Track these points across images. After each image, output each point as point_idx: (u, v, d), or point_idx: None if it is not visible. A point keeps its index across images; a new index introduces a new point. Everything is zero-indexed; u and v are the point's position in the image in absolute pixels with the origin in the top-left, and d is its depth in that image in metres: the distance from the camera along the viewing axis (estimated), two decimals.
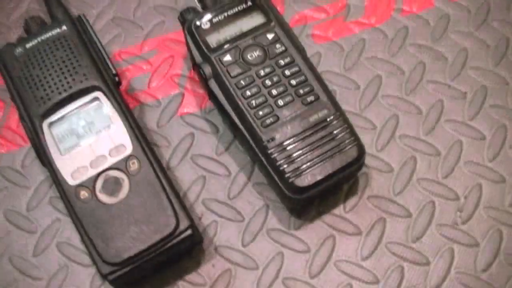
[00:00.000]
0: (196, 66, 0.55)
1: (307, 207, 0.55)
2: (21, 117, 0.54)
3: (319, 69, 0.60)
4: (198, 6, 0.59)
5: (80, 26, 0.57)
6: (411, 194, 0.55)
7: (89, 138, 0.52)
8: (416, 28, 0.62)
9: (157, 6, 0.65)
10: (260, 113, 0.52)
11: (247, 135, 0.52)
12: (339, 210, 0.55)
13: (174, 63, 0.62)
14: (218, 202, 0.56)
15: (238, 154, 0.57)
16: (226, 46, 0.54)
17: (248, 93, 0.53)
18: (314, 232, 0.54)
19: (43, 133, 0.52)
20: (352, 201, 0.55)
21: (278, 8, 0.63)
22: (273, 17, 0.56)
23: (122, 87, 0.60)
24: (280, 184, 0.51)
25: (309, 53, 0.60)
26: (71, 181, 0.51)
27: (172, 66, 0.62)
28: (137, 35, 0.63)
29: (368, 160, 0.55)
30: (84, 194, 0.50)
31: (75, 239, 0.55)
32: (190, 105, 0.60)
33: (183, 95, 0.60)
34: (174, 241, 0.49)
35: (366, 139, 0.56)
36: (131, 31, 0.64)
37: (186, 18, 0.57)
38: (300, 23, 0.63)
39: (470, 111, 0.58)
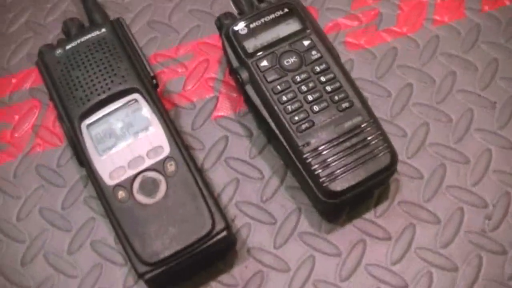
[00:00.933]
0: (233, 71, 0.56)
1: (339, 211, 0.56)
2: (60, 117, 0.55)
3: (352, 76, 0.61)
4: (235, 12, 0.60)
5: (118, 29, 0.58)
6: (440, 201, 0.56)
7: (127, 139, 0.54)
8: (447, 38, 0.63)
9: (192, 10, 0.66)
10: (296, 118, 0.53)
11: (282, 139, 0.54)
12: (369, 215, 0.56)
13: (209, 67, 0.63)
14: (251, 204, 0.57)
15: (272, 158, 0.58)
16: (263, 52, 0.56)
17: (284, 98, 0.54)
18: (345, 236, 0.55)
19: (81, 133, 0.54)
20: (382, 207, 0.56)
21: (313, 14, 0.64)
22: (309, 24, 0.57)
23: (158, 90, 0.62)
24: (314, 188, 0.52)
25: (342, 59, 0.62)
26: (109, 181, 0.52)
27: (207, 70, 0.63)
28: (173, 38, 0.65)
29: (398, 167, 0.56)
30: (121, 194, 0.51)
31: (109, 238, 0.56)
32: (224, 109, 0.61)
33: (217, 98, 0.61)
34: (210, 242, 0.50)
35: (396, 146, 0.57)
36: (166, 34, 0.65)
37: (224, 23, 0.58)
38: (334, 31, 0.64)
39: (500, 120, 0.59)
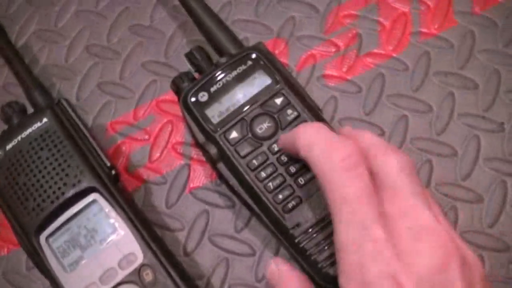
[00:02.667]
0: (199, 146, 0.49)
1: None
2: (15, 232, 0.48)
3: (337, 117, 0.54)
4: (192, 70, 0.52)
5: (62, 114, 0.50)
6: None
7: (94, 248, 0.47)
8: (439, 53, 0.55)
9: (145, 63, 0.58)
10: (280, 196, 0.46)
11: (268, 223, 0.47)
12: None
13: (174, 129, 0.55)
14: (247, 286, 0.50)
15: (260, 228, 0.51)
16: (230, 120, 0.48)
17: (263, 174, 0.46)
18: None
19: (42, 249, 0.47)
20: None
21: (282, 48, 0.56)
22: (278, 76, 0.49)
23: (121, 165, 0.54)
24: (313, 274, 0.46)
25: (323, 98, 0.54)
26: None
27: (173, 133, 0.55)
28: (129, 100, 0.57)
29: None
30: None
31: None
32: (198, 178, 0.53)
33: (189, 166, 0.54)
34: None
35: None
36: (121, 96, 0.57)
37: (180, 87, 0.50)
38: (309, 63, 0.56)
39: (511, 145, 0.52)
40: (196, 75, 0.51)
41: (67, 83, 0.58)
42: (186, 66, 0.53)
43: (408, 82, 0.54)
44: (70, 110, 0.51)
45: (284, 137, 0.44)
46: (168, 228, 0.52)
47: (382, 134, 0.53)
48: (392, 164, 0.39)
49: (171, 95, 0.55)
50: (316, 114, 0.48)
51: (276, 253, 0.51)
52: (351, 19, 0.57)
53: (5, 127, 0.52)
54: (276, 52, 0.56)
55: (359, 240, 0.37)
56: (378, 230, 0.37)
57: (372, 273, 0.36)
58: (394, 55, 0.55)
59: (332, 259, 0.45)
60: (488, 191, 0.51)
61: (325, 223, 0.45)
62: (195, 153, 0.54)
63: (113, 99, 0.57)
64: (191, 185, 0.53)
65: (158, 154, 0.55)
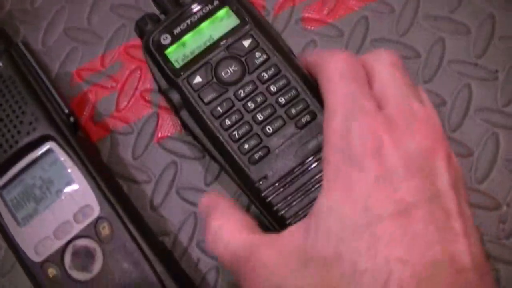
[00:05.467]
0: (161, 93, 0.45)
1: None
2: None
3: None
4: (157, 12, 0.48)
5: (18, 59, 0.47)
6: None
7: (49, 201, 0.44)
8: None
9: (114, 6, 0.54)
10: (246, 146, 0.42)
11: (233, 175, 0.43)
12: None
13: (142, 76, 0.52)
14: None
15: (231, 182, 0.47)
16: (194, 64, 0.44)
17: (228, 122, 0.43)
18: None
19: None
20: None
21: None
22: (247, 16, 0.44)
23: (87, 114, 0.51)
24: (280, 230, 0.42)
25: (302, 42, 0.50)
26: (35, 257, 0.43)
27: (141, 80, 0.52)
28: (96, 46, 0.53)
29: None
30: (52, 272, 0.42)
31: None
32: (167, 128, 0.50)
33: (157, 115, 0.50)
34: None
35: None
36: (88, 42, 0.53)
37: (144, 30, 0.46)
38: (287, 6, 0.51)
39: (504, 96, 0.47)
40: (162, 17, 0.48)
41: (32, 28, 0.54)
42: (156, 11, 0.49)
43: (394, 26, 0.50)
44: (28, 54, 0.48)
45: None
46: (134, 180, 0.49)
47: None
48: (384, 61, 0.38)
49: (139, 41, 0.51)
50: (287, 57, 0.44)
51: (248, 209, 0.48)
52: None
53: None
54: None
55: (349, 110, 0.36)
56: (370, 104, 0.36)
57: (359, 142, 0.35)
58: None
59: (301, 216, 0.41)
60: (479, 145, 0.47)
61: (294, 176, 0.42)
62: (164, 101, 0.50)
63: (79, 45, 0.53)
64: (159, 135, 0.50)
65: (125, 102, 0.51)
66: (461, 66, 0.48)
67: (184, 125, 0.45)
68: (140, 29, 0.47)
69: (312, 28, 0.51)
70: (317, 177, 0.41)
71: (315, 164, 0.42)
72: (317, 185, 0.41)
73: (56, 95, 0.46)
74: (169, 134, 0.50)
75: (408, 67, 0.49)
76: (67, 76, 0.52)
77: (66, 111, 0.46)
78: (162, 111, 0.50)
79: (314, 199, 0.41)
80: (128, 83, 0.52)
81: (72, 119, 0.46)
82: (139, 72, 0.52)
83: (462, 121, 0.47)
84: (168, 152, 0.50)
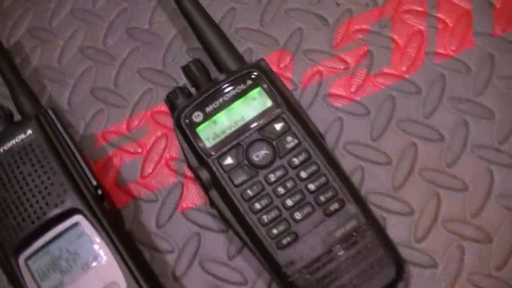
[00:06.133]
0: (191, 170, 0.46)
1: None
2: None
3: (342, 140, 0.50)
4: (188, 85, 0.48)
5: (47, 126, 0.47)
6: None
7: (75, 273, 0.44)
8: (454, 77, 0.51)
9: (141, 69, 0.54)
10: (274, 231, 0.43)
11: (261, 258, 0.44)
12: None
13: (168, 143, 0.52)
14: None
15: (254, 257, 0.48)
16: (226, 144, 0.45)
17: (257, 206, 0.43)
18: None
19: (20, 271, 0.44)
20: None
21: (286, 62, 0.53)
22: (280, 98, 0.45)
23: (111, 179, 0.51)
24: None
25: (328, 119, 0.51)
26: None
27: (167, 148, 0.52)
28: (122, 109, 0.53)
29: (406, 254, 0.46)
30: None
31: None
32: (192, 198, 0.50)
33: (182, 184, 0.51)
34: None
35: (402, 227, 0.48)
36: (114, 104, 0.54)
37: (174, 103, 0.47)
38: (315, 80, 0.52)
39: None
40: (193, 90, 0.48)
41: (59, 86, 0.55)
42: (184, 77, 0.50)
43: (420, 107, 0.51)
44: (57, 122, 0.48)
45: None
46: (157, 249, 0.49)
47: (389, 162, 0.49)
48: None
49: (165, 106, 0.52)
50: (318, 142, 0.45)
51: (269, 285, 0.48)
52: (363, 34, 0.53)
53: None
54: (281, 65, 0.53)
55: None
56: None
57: None
58: (407, 76, 0.51)
59: None
60: (497, 230, 0.47)
61: (322, 263, 0.42)
62: (189, 171, 0.51)
63: (106, 107, 0.54)
64: (184, 205, 0.50)
65: (150, 170, 0.52)
66: (484, 151, 0.49)
67: (212, 204, 0.45)
68: (171, 102, 0.47)
69: (339, 105, 0.51)
70: (343, 265, 0.42)
71: (342, 252, 0.42)
72: (343, 273, 0.42)
73: (84, 166, 0.47)
74: (193, 205, 0.50)
75: (432, 150, 0.49)
76: (92, 138, 0.53)
77: (94, 183, 0.46)
78: (187, 181, 0.51)
79: (340, 287, 0.42)
80: (153, 150, 0.52)
81: (99, 191, 0.46)
82: (165, 139, 0.52)
83: (483, 207, 0.48)
84: (192, 223, 0.50)
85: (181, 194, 0.51)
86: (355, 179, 0.49)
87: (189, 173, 0.51)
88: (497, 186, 0.48)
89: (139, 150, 0.52)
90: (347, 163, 0.48)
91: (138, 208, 0.51)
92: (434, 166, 0.49)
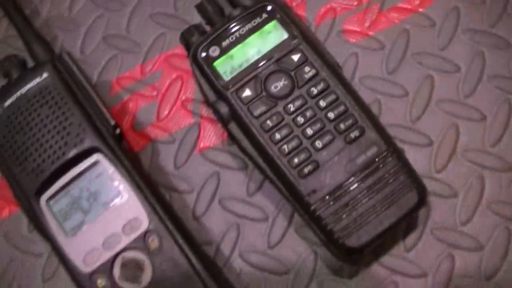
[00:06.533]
0: (209, 105, 0.46)
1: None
2: (15, 194, 0.45)
3: (357, 75, 0.50)
4: (202, 22, 0.48)
5: (63, 69, 0.47)
6: (481, 221, 0.47)
7: (97, 212, 0.44)
8: (469, 9, 0.51)
9: (153, 14, 0.54)
10: (295, 160, 0.43)
11: (283, 188, 0.44)
12: (398, 249, 0.47)
13: (183, 85, 0.52)
14: (258, 253, 0.48)
15: (274, 192, 0.47)
16: (243, 77, 0.44)
17: (277, 136, 0.43)
18: (372, 279, 0.46)
19: (41, 212, 0.44)
20: (412, 237, 0.47)
21: (299, 1, 0.52)
22: (295, 30, 0.45)
23: (127, 123, 0.51)
24: (328, 244, 0.43)
25: (343, 55, 0.51)
26: (84, 268, 0.43)
27: (182, 90, 0.52)
28: (135, 54, 0.53)
29: (427, 184, 0.46)
30: (101, 283, 0.43)
31: None
32: (209, 138, 0.50)
33: (199, 125, 0.51)
34: None
35: (421, 158, 0.48)
36: (127, 50, 0.53)
37: (190, 41, 0.47)
38: (328, 18, 0.52)
39: None
40: (207, 28, 0.48)
41: (70, 35, 0.54)
42: (197, 18, 0.49)
43: (435, 40, 0.50)
44: (72, 65, 0.48)
45: None
46: (176, 190, 0.50)
47: (405, 94, 0.49)
48: None
49: (180, 49, 0.51)
50: (336, 72, 0.44)
51: (291, 219, 0.48)
52: None
53: (4, 82, 0.49)
54: (294, 4, 0.52)
55: None
56: None
57: None
58: (421, 9, 0.51)
59: (349, 230, 0.42)
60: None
61: (343, 191, 0.42)
62: (205, 111, 0.51)
63: (119, 53, 0.53)
64: (201, 145, 0.50)
65: (166, 112, 0.52)
66: (501, 82, 0.49)
67: (232, 138, 0.45)
68: (186, 40, 0.47)
69: (354, 40, 0.51)
70: (365, 192, 0.42)
71: (364, 179, 0.42)
72: (365, 200, 0.42)
73: (101, 106, 0.47)
74: (211, 145, 0.50)
75: (449, 81, 0.49)
76: (107, 85, 0.53)
77: (112, 122, 0.46)
78: (204, 121, 0.51)
79: (362, 213, 0.42)
80: (168, 92, 0.52)
81: (118, 130, 0.46)
82: (180, 81, 0.52)
83: (502, 135, 0.48)
84: (210, 163, 0.50)
85: (198, 134, 0.51)
86: None
87: (205, 113, 0.51)
88: None
89: (154, 93, 0.52)
90: (364, 96, 0.48)
91: (155, 150, 0.51)
92: (451, 97, 0.49)
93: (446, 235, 0.46)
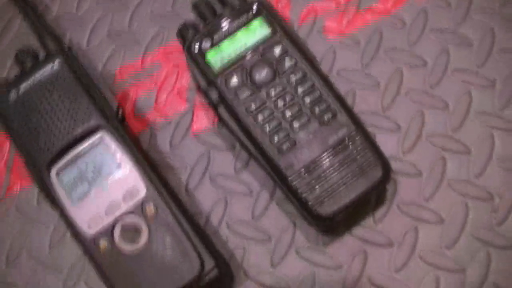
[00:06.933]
0: (201, 91, 0.52)
1: (335, 225, 0.52)
2: (28, 168, 0.51)
3: (335, 67, 0.56)
4: (197, 19, 0.54)
5: (73, 59, 0.53)
6: (442, 197, 0.52)
7: (100, 182, 0.50)
8: (436, 11, 0.57)
9: (152, 14, 0.60)
10: (276, 138, 0.49)
11: (264, 163, 0.50)
12: (368, 221, 0.52)
13: (179, 75, 0.58)
14: (243, 223, 0.54)
15: (258, 170, 0.54)
16: (231, 67, 0.50)
17: (260, 117, 0.49)
18: (344, 247, 0.52)
19: (52, 183, 0.50)
20: (381, 211, 0.52)
21: (284, 3, 0.59)
22: (278, 27, 0.51)
23: (129, 109, 0.57)
24: (303, 212, 0.49)
25: (322, 50, 0.57)
26: (88, 231, 0.49)
27: (178, 79, 0.58)
28: (137, 48, 0.59)
29: (394, 165, 0.52)
30: (103, 243, 0.49)
31: None
32: (201, 122, 0.56)
33: (193, 110, 0.57)
34: (201, 284, 0.48)
35: (390, 141, 0.54)
36: (129, 45, 0.60)
37: (185, 36, 0.53)
38: (310, 18, 0.58)
39: (501, 101, 0.54)
40: (201, 25, 0.54)
41: (78, 31, 0.61)
42: (192, 16, 0.55)
43: (405, 38, 0.56)
44: (79, 57, 0.54)
45: None
46: (171, 167, 0.56)
47: (377, 85, 0.55)
48: None
49: (177, 44, 0.57)
50: (312, 64, 0.51)
51: (272, 194, 0.54)
52: None
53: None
54: (279, 6, 0.58)
55: None
56: None
57: None
58: (393, 11, 0.57)
59: (322, 199, 0.48)
60: (476, 143, 0.53)
61: (317, 165, 0.48)
62: (198, 98, 0.57)
63: (122, 47, 0.60)
64: (194, 128, 0.56)
65: (163, 99, 0.58)
66: (464, 75, 0.55)
67: (221, 120, 0.51)
68: (182, 34, 0.53)
69: (332, 38, 0.57)
70: (336, 166, 0.48)
71: (334, 155, 0.48)
72: (335, 173, 0.48)
73: (105, 91, 0.53)
74: (203, 128, 0.56)
75: (417, 74, 0.55)
76: (110, 74, 0.59)
77: (115, 104, 0.52)
78: (197, 107, 0.57)
79: (333, 185, 0.48)
80: (166, 82, 0.58)
81: (120, 112, 0.52)
82: (176, 72, 0.58)
83: (463, 122, 0.54)
84: (202, 144, 0.56)
85: (192, 118, 0.57)
86: (348, 101, 0.54)
87: (198, 100, 0.57)
88: (476, 104, 0.54)
89: (153, 83, 0.58)
90: (340, 87, 0.53)
91: (153, 133, 0.57)
92: (418, 88, 0.55)
93: (411, 209, 0.52)
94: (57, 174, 0.51)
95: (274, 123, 0.49)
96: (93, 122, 0.51)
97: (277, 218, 0.53)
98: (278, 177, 0.49)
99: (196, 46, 0.51)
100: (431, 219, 0.52)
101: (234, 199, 0.54)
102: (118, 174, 0.50)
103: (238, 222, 0.54)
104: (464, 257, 0.51)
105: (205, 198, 0.55)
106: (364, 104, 0.55)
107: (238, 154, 0.55)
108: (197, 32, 0.52)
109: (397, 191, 0.53)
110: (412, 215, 0.52)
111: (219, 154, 0.55)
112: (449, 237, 0.51)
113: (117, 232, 0.49)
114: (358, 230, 0.52)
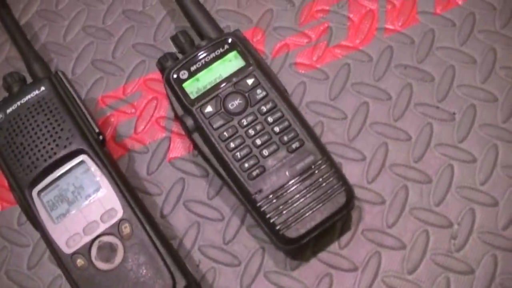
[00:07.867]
0: (178, 118, 0.55)
1: (302, 249, 0.55)
2: (10, 186, 0.54)
3: (305, 100, 0.60)
4: (176, 51, 0.58)
5: (58, 85, 0.56)
6: (404, 224, 0.55)
7: (80, 203, 0.53)
8: (400, 48, 0.61)
9: (135, 44, 0.64)
10: (246, 165, 0.52)
11: (234, 188, 0.52)
12: (334, 246, 0.55)
13: (158, 105, 0.61)
14: (214, 247, 0.56)
15: (230, 197, 0.57)
16: (206, 96, 0.54)
17: (232, 145, 0.52)
18: (311, 271, 0.55)
19: (33, 202, 0.53)
20: (346, 237, 0.55)
21: (259, 37, 0.62)
22: (251, 59, 0.55)
23: (109, 135, 0.60)
24: (271, 236, 0.52)
25: (293, 83, 0.60)
26: (66, 250, 0.51)
27: (157, 109, 0.61)
28: (119, 77, 0.63)
29: (359, 193, 0.55)
30: (80, 262, 0.51)
31: None
32: (177, 149, 0.59)
33: (170, 139, 0.60)
34: None
35: (356, 170, 0.57)
36: (112, 73, 0.63)
37: (164, 66, 0.56)
38: (283, 52, 0.62)
39: (460, 133, 0.57)
40: (180, 56, 0.57)
41: (64, 59, 0.64)
42: (172, 49, 0.59)
43: (371, 72, 0.60)
44: (65, 81, 0.57)
45: None
46: (147, 192, 0.58)
47: (344, 117, 0.59)
48: None
49: (157, 75, 0.61)
50: (283, 95, 0.54)
51: (243, 220, 0.56)
52: (323, 13, 0.63)
53: (6, 95, 0.58)
54: (254, 40, 0.62)
55: None
56: None
57: None
58: (361, 47, 0.61)
59: (289, 223, 0.51)
60: (437, 173, 0.56)
61: (284, 190, 0.51)
62: (175, 127, 0.60)
63: (105, 75, 0.63)
64: (171, 155, 0.59)
65: (142, 126, 0.61)
66: (425, 108, 0.58)
67: (196, 146, 0.54)
68: (162, 65, 0.56)
69: (303, 71, 0.61)
70: (302, 192, 0.51)
71: (301, 181, 0.51)
72: (302, 198, 0.51)
73: (88, 116, 0.55)
74: (179, 155, 0.59)
75: (381, 107, 0.59)
76: (93, 101, 0.62)
77: (97, 130, 0.55)
78: (174, 136, 0.60)
79: (299, 210, 0.51)
80: (145, 110, 0.61)
81: (101, 137, 0.55)
82: (155, 101, 0.61)
83: (424, 153, 0.57)
84: (178, 170, 0.59)
85: (169, 146, 0.60)
86: (316, 132, 0.57)
87: (175, 129, 0.60)
88: (436, 136, 0.57)
89: (133, 110, 0.61)
90: (309, 118, 0.57)
91: (132, 158, 0.60)
92: (383, 121, 0.58)
93: (375, 235, 0.55)
94: (39, 193, 0.53)
95: (245, 151, 0.52)
96: (75, 145, 0.53)
97: (247, 243, 0.56)
98: (248, 202, 0.52)
99: (175, 76, 0.54)
100: (393, 245, 0.55)
101: (207, 224, 0.57)
102: (97, 195, 0.53)
103: (210, 246, 0.56)
104: (425, 282, 0.53)
105: (179, 222, 0.57)
106: (332, 134, 0.58)
107: (211, 181, 0.58)
108: (176, 62, 0.55)
109: (362, 218, 0.55)
110: (375, 241, 0.55)
111: (193, 180, 0.58)
112: (411, 263, 0.54)
113: (94, 251, 0.51)
114: (324, 255, 0.55)
